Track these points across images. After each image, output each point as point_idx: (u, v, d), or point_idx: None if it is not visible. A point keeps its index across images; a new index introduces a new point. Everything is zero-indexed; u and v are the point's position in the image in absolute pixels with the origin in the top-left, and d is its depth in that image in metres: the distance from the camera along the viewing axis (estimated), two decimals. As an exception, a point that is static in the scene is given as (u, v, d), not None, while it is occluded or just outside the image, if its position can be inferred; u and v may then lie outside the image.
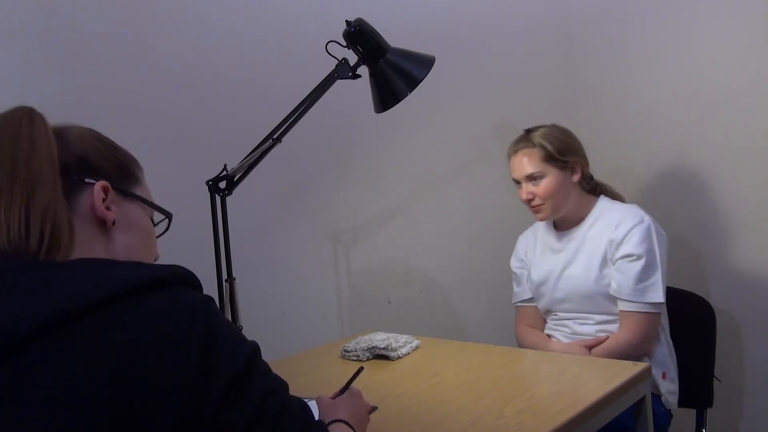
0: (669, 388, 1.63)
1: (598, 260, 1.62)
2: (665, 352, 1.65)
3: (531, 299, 1.80)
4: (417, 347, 1.57)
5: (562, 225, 1.73)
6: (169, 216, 0.88)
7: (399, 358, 1.50)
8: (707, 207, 2.20)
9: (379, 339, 1.54)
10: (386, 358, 1.50)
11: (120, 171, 0.80)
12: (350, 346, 1.55)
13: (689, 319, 1.78)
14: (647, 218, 1.60)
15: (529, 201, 1.66)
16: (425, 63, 1.40)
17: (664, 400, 1.62)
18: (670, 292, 1.81)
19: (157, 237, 0.87)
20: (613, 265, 1.60)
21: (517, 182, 1.69)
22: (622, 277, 1.57)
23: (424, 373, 1.37)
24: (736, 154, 2.12)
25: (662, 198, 2.31)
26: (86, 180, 0.75)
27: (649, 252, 1.56)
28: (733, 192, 2.13)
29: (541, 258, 1.75)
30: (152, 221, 0.86)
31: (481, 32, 2.28)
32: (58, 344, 0.60)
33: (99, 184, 0.75)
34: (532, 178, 1.64)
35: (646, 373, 1.30)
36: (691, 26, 2.19)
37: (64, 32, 1.39)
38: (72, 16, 1.40)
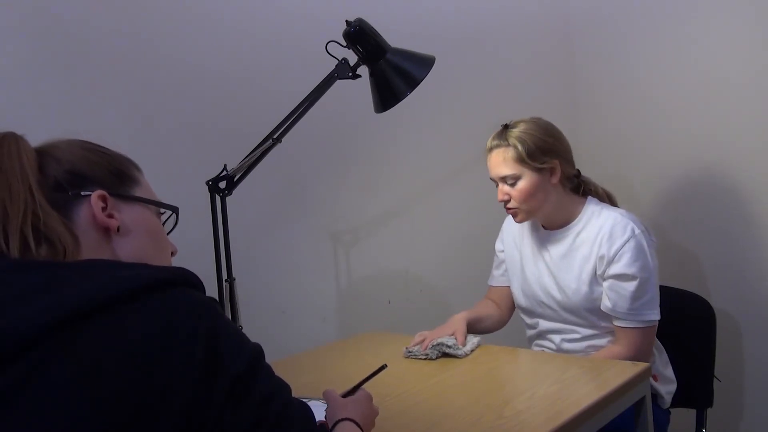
0: (662, 389, 1.62)
1: (588, 276, 1.55)
2: (654, 354, 1.62)
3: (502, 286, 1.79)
4: (479, 345, 1.54)
5: (549, 225, 1.65)
6: (174, 210, 0.88)
7: (466, 355, 1.47)
8: (707, 207, 2.20)
9: (446, 338, 1.50)
10: (453, 356, 1.47)
11: (115, 176, 0.79)
12: (415, 346, 1.51)
13: (689, 319, 1.78)
14: (637, 229, 1.51)
15: (505, 202, 1.58)
16: (425, 63, 1.40)
17: (660, 401, 1.62)
18: (671, 292, 1.81)
19: (168, 233, 0.87)
20: (604, 281, 1.53)
21: (494, 182, 1.61)
22: (616, 297, 1.50)
23: (424, 373, 1.37)
24: (737, 154, 2.12)
25: (662, 198, 2.31)
26: (82, 193, 0.75)
27: (643, 269, 1.48)
28: (733, 192, 2.13)
29: (532, 257, 1.68)
30: (159, 218, 0.85)
31: (481, 32, 2.28)
32: (65, 344, 0.60)
33: (95, 195, 0.75)
34: (507, 179, 1.55)
35: (645, 374, 1.30)
36: (690, 26, 2.19)
37: (64, 32, 1.39)
38: (72, 16, 1.40)
